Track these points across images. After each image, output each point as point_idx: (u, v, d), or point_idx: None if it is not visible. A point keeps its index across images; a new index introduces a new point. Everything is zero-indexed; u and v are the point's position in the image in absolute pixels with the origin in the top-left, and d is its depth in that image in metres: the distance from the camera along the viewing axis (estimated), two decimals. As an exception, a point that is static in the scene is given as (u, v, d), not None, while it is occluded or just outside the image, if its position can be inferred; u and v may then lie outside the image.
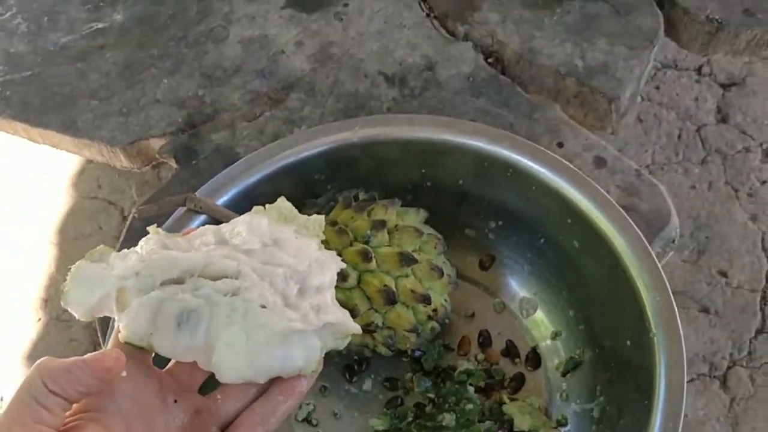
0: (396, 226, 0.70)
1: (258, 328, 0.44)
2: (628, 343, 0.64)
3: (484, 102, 0.88)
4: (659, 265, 0.64)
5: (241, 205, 0.71)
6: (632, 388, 0.63)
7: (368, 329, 0.68)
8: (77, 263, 0.46)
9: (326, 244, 0.68)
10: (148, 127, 0.89)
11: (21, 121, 0.91)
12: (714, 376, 1.12)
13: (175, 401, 0.46)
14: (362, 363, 0.75)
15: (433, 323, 0.70)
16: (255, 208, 0.50)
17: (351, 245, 0.68)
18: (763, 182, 1.25)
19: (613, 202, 0.67)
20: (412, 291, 0.67)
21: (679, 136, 1.30)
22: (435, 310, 0.69)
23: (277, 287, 0.46)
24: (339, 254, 0.67)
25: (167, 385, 0.47)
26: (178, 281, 0.45)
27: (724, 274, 1.17)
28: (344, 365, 0.75)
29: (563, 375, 0.72)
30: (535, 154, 0.71)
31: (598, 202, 0.68)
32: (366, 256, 0.66)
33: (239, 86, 0.91)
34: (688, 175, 1.24)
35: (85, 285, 0.45)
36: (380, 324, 0.68)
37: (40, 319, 1.26)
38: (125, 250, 0.47)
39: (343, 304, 0.66)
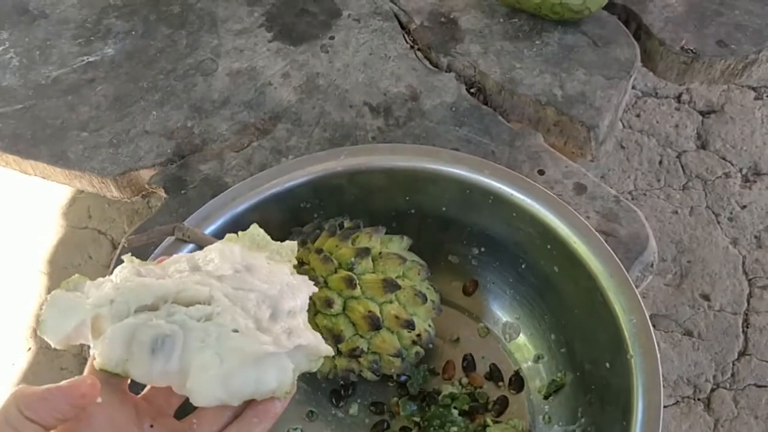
0: (380, 253, 0.71)
1: (231, 351, 0.45)
2: (607, 365, 0.66)
3: (467, 131, 0.90)
4: (635, 288, 0.65)
5: (228, 233, 0.73)
6: (612, 410, 0.65)
7: (354, 354, 0.69)
8: (53, 292, 0.47)
9: (311, 271, 0.70)
10: (137, 158, 0.90)
11: (12, 153, 0.92)
12: (698, 399, 1.14)
13: (151, 426, 0.47)
14: (348, 388, 0.76)
15: (418, 348, 0.72)
16: (228, 235, 0.51)
17: (336, 272, 0.69)
18: (743, 206, 1.27)
19: (590, 227, 0.69)
20: (396, 317, 0.69)
21: (661, 162, 1.33)
22: (419, 335, 0.71)
23: (249, 312, 0.47)
24: (324, 281, 0.69)
25: (143, 410, 0.48)
26: (152, 308, 0.46)
27: (706, 298, 1.19)
28: (331, 390, 0.76)
29: (545, 398, 0.73)
30: (514, 181, 0.73)
31: (576, 227, 0.69)
32: (350, 283, 0.68)
33: (227, 117, 0.93)
34: (669, 200, 1.26)
35: (60, 313, 0.46)
36: (365, 349, 0.69)
37: (30, 349, 1.27)
38: (100, 279, 0.48)
39: (329, 330, 0.68)
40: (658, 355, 0.62)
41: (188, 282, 0.47)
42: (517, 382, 0.75)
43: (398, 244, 0.73)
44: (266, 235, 0.52)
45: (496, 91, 0.95)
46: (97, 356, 0.45)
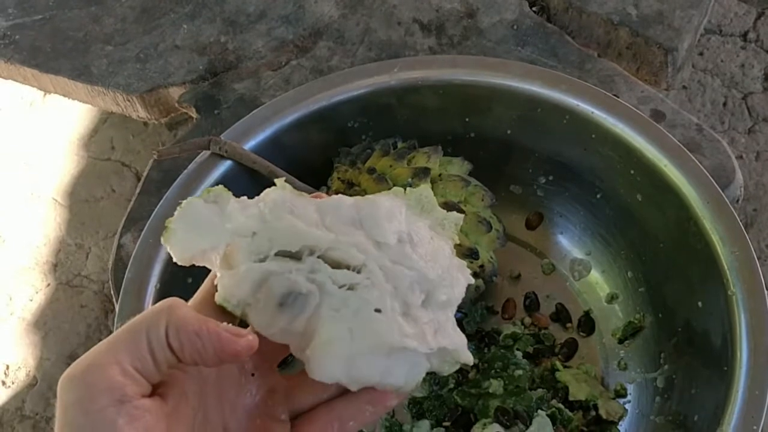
0: (440, 175, 0.64)
1: (366, 332, 0.39)
2: (700, 304, 0.58)
3: (530, 51, 0.82)
4: (737, 217, 0.57)
5: (268, 152, 0.67)
6: (705, 356, 0.57)
7: (409, 286, 0.62)
8: (189, 200, 0.40)
9: (362, 193, 0.62)
10: (167, 75, 0.84)
11: (31, 67, 0.87)
12: None
13: (253, 375, 0.41)
14: (399, 325, 0.69)
15: (479, 281, 0.64)
16: (394, 189, 0.44)
17: (391, 194, 0.61)
18: (812, 154, 1.18)
19: (683, 148, 0.61)
20: (458, 244, 0.61)
21: (725, 104, 1.24)
22: (482, 267, 0.63)
23: (400, 292, 0.40)
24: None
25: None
26: (295, 256, 0.40)
27: (772, 249, 1.11)
28: (379, 328, 0.69)
29: (620, 341, 0.67)
30: (595, 97, 0.65)
31: (666, 149, 0.61)
32: (409, 206, 0.60)
33: (263, 33, 0.86)
34: (734, 145, 1.18)
35: (194, 228, 0.40)
36: (422, 280, 0.62)
37: (49, 285, 1.21)
38: (245, 199, 0.41)
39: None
40: (766, 293, 0.54)
41: (344, 242, 0.40)
42: (587, 324, 0.68)
43: (459, 167, 0.66)
44: (435, 198, 0.45)
45: (562, 9, 0.86)
46: (220, 288, 0.39)
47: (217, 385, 0.40)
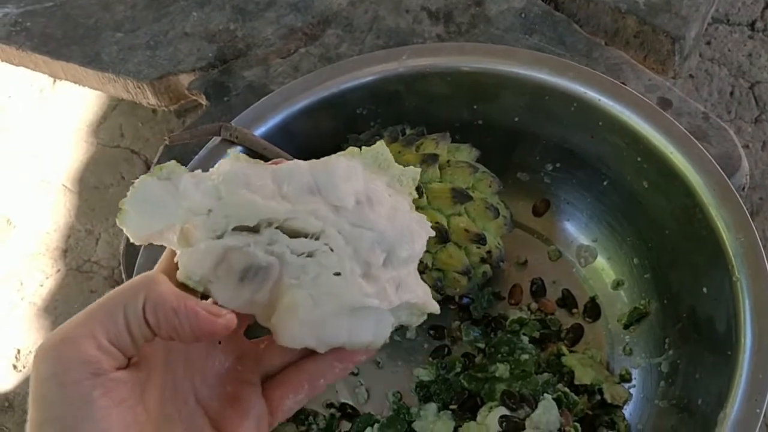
0: (448, 161, 0.64)
1: (327, 296, 0.39)
2: (705, 290, 0.59)
3: (538, 39, 0.82)
4: (742, 203, 0.58)
5: (278, 139, 0.67)
6: (709, 341, 0.58)
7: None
8: (141, 178, 0.40)
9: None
10: (176, 62, 0.84)
11: (42, 54, 0.87)
12: None
13: (220, 343, 0.42)
14: (406, 310, 0.70)
15: (486, 267, 0.65)
16: (349, 149, 0.44)
17: (399, 180, 0.62)
18: (819, 143, 1.18)
19: (690, 136, 0.61)
20: (466, 230, 0.62)
21: (732, 93, 1.23)
22: (489, 252, 0.64)
23: (361, 254, 0.40)
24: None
25: None
26: (253, 229, 0.40)
27: (777, 238, 1.11)
28: (387, 312, 0.70)
29: (626, 327, 0.67)
30: (603, 85, 0.65)
31: (673, 136, 0.62)
32: (416, 191, 0.61)
33: (273, 20, 0.86)
34: (741, 134, 1.18)
35: (147, 209, 0.39)
36: (429, 265, 0.62)
37: (59, 270, 1.22)
38: (199, 172, 0.41)
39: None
40: (770, 278, 0.54)
41: (302, 211, 0.40)
42: (593, 309, 0.68)
43: (467, 153, 0.66)
44: (391, 155, 0.45)
45: (570, -3, 0.86)
46: (180, 267, 0.39)
47: (184, 356, 0.40)
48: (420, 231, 0.43)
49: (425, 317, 0.43)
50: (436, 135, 0.66)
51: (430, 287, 0.63)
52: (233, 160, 0.41)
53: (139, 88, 0.85)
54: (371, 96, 0.69)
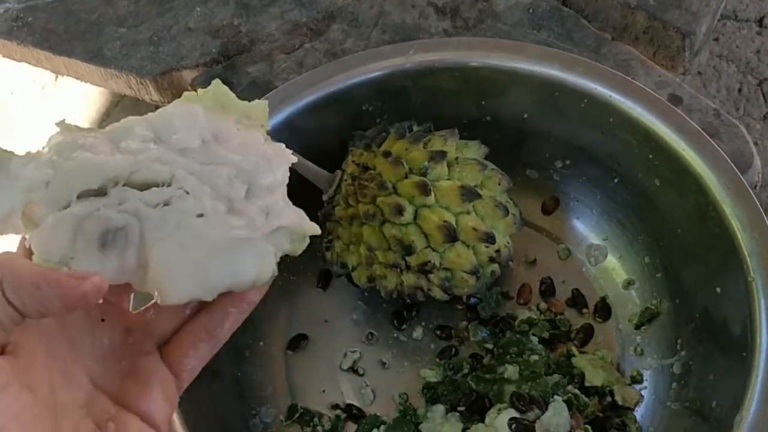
0: (456, 158, 0.63)
1: (195, 240, 0.38)
2: (718, 290, 0.58)
3: (546, 35, 0.81)
4: (757, 202, 0.57)
5: (282, 136, 0.65)
6: (722, 342, 0.57)
7: (424, 269, 0.61)
8: None
9: (378, 176, 0.61)
10: (180, 57, 0.83)
11: (44, 49, 0.86)
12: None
13: (102, 320, 0.41)
14: (412, 309, 0.69)
15: (495, 266, 0.64)
16: (186, 94, 0.42)
17: (407, 177, 0.61)
18: (828, 142, 1.17)
19: (702, 132, 0.60)
20: (474, 228, 0.61)
21: (740, 90, 1.22)
22: (498, 251, 0.63)
23: (220, 191, 0.40)
24: (393, 187, 0.61)
25: None
26: (100, 192, 0.38)
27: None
28: (392, 311, 0.69)
29: (637, 327, 0.66)
30: (613, 81, 0.64)
31: (685, 132, 0.60)
32: (424, 189, 0.60)
33: (277, 15, 0.85)
34: (749, 131, 1.16)
35: None
36: (437, 264, 0.61)
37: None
38: (30, 152, 0.39)
39: (398, 241, 0.60)
40: (787, 278, 0.53)
41: (144, 159, 0.38)
42: (604, 309, 0.67)
43: (476, 150, 0.65)
44: (231, 92, 0.43)
45: (579, -8, 0.84)
46: (35, 251, 0.37)
47: (67, 339, 0.38)
48: (279, 159, 0.43)
49: (308, 241, 0.42)
50: (445, 131, 0.65)
51: (438, 287, 0.63)
52: (63, 130, 0.39)
53: (142, 84, 0.84)
54: (378, 92, 0.68)
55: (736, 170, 0.58)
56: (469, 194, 0.61)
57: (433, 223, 0.60)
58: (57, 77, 1.36)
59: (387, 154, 0.62)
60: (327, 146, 0.67)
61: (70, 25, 0.86)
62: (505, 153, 0.68)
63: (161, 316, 0.42)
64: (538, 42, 0.79)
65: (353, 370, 0.67)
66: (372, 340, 0.69)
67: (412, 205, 0.60)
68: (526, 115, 0.68)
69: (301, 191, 0.70)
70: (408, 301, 0.64)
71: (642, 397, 0.62)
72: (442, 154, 0.62)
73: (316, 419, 0.64)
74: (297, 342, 0.68)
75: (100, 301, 0.36)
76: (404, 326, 0.69)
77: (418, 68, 0.67)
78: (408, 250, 0.60)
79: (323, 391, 0.67)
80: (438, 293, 0.64)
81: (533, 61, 0.65)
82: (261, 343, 0.68)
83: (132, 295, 0.44)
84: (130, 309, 0.43)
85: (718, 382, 0.56)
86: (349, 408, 0.65)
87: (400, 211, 0.59)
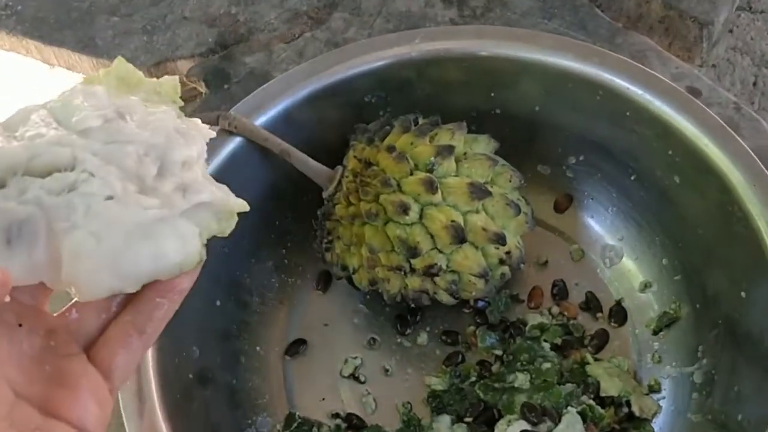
0: (464, 153, 0.60)
1: (108, 227, 0.35)
2: (743, 294, 0.55)
3: (558, 24, 0.78)
4: (787, 202, 0.53)
5: (280, 128, 0.64)
6: (748, 349, 0.54)
7: (430, 272, 0.58)
8: None
9: (381, 172, 0.58)
10: (175, 47, 0.81)
11: (34, 39, 0.84)
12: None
13: (20, 325, 0.38)
14: (416, 313, 0.66)
15: (505, 268, 0.60)
16: (87, 77, 0.40)
17: (412, 174, 0.58)
18: None
19: (726, 127, 0.57)
20: (484, 229, 0.57)
21: (755, 83, 1.19)
22: (508, 253, 0.59)
23: (128, 170, 0.37)
24: (398, 184, 0.57)
25: (3, 308, 0.38)
26: None
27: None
28: (396, 315, 0.66)
29: (655, 333, 0.63)
30: (631, 72, 0.61)
31: (708, 127, 0.57)
32: (431, 186, 0.57)
33: (276, 4, 0.83)
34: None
35: None
36: (444, 266, 0.58)
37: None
38: None
39: (402, 241, 0.57)
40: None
41: (42, 143, 0.36)
42: (619, 313, 0.64)
43: (485, 145, 0.62)
44: (137, 70, 0.41)
45: (592, -20, 0.81)
46: None
47: None
48: (194, 134, 0.40)
49: (236, 218, 0.40)
50: (452, 125, 0.62)
51: (444, 291, 0.60)
52: None
53: (136, 75, 0.81)
54: (381, 83, 0.65)
55: (763, 167, 0.55)
56: (479, 192, 0.57)
57: (439, 223, 0.57)
58: (50, 68, 1.33)
59: (391, 148, 0.59)
60: (327, 140, 0.65)
61: (61, 14, 0.84)
62: (516, 147, 0.66)
63: (85, 314, 0.39)
64: (550, 32, 0.77)
65: (354, 377, 0.65)
66: (374, 346, 0.66)
67: (417, 204, 0.57)
68: (537, 108, 0.66)
69: (300, 189, 0.68)
70: (412, 305, 0.61)
71: (660, 407, 0.60)
72: (449, 149, 0.59)
73: (315, 429, 0.62)
74: (295, 347, 0.66)
75: (7, 299, 0.33)
76: (408, 331, 0.66)
77: (424, 58, 0.65)
78: (413, 251, 0.57)
79: (323, 399, 0.64)
80: (444, 297, 0.60)
81: (546, 50, 0.63)
82: (257, 348, 0.65)
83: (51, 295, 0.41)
84: (49, 310, 0.40)
85: (744, 394, 0.53)
86: (349, 417, 0.63)
87: (404, 209, 0.56)
